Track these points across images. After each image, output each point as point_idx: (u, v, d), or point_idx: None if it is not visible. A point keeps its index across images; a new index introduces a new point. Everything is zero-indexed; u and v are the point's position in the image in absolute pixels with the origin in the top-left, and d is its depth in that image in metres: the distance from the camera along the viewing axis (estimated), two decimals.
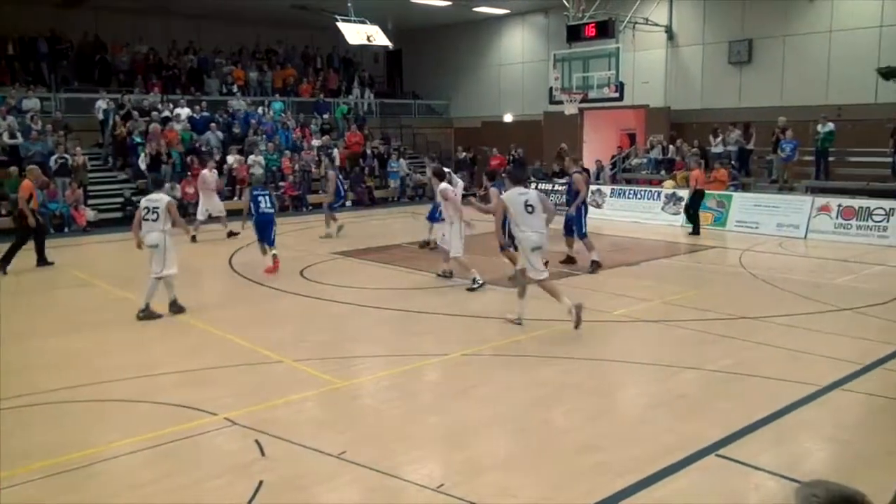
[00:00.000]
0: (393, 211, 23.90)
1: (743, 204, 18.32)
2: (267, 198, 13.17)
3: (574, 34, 22.06)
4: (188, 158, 22.16)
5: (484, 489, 5.02)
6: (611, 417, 6.48)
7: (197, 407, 6.54)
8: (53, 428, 6.29)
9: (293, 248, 15.50)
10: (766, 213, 17.69)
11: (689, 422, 6.15)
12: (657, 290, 11.34)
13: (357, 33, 23.12)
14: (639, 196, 20.66)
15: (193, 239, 16.34)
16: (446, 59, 31.94)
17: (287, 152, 24.41)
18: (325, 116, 28.24)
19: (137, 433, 6.00)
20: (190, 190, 20.49)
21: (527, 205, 9.11)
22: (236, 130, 24.67)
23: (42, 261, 13.98)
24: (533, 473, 5.31)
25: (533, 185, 23.06)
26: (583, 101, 22.14)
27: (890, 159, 18.31)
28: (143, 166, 21.13)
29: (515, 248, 9.56)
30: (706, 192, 17.85)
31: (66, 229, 18.98)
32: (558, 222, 13.43)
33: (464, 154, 28.61)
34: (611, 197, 21.33)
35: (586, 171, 22.51)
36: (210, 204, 17.63)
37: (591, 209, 20.95)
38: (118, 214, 20.47)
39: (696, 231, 17.25)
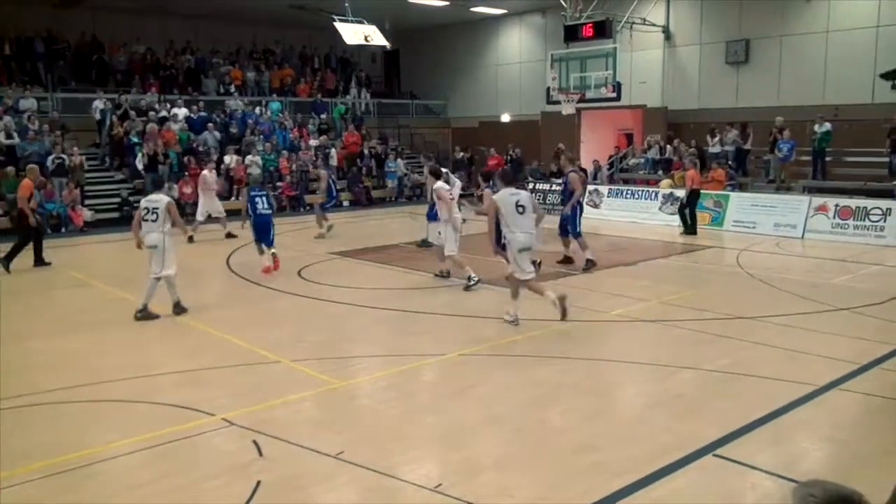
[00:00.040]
0: (390, 211, 23.90)
1: (740, 204, 18.34)
2: (264, 199, 13.15)
3: (571, 34, 22.08)
4: (185, 159, 22.15)
5: (481, 489, 5.02)
6: (608, 417, 6.49)
7: (195, 407, 6.54)
8: (52, 428, 6.29)
9: (291, 248, 15.49)
10: (764, 213, 17.71)
11: (687, 422, 6.16)
12: (654, 290, 11.35)
13: (354, 33, 23.12)
14: (636, 196, 20.68)
15: (191, 239, 16.33)
16: (444, 58, 31.94)
17: (284, 152, 24.40)
18: (323, 116, 28.23)
19: (135, 433, 6.00)
20: (187, 190, 20.49)
21: (518, 205, 9.16)
22: (234, 130, 24.66)
23: (39, 261, 13.97)
24: (530, 473, 5.32)
25: (530, 185, 23.22)
26: (580, 101, 22.17)
27: (887, 159, 18.33)
28: (140, 166, 21.14)
29: (505, 248, 9.56)
30: (702, 191, 17.88)
31: (63, 229, 18.96)
32: (553, 222, 13.48)
33: (461, 154, 28.62)
34: (608, 197, 21.35)
35: (583, 170, 22.66)
36: (210, 204, 17.62)
37: (588, 209, 21.13)
38: (115, 214, 20.45)
39: (692, 231, 17.27)
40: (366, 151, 27.07)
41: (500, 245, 9.72)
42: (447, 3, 26.05)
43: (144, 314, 9.82)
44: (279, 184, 23.26)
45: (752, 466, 5.32)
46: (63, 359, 8.29)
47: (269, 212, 13.15)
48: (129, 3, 25.77)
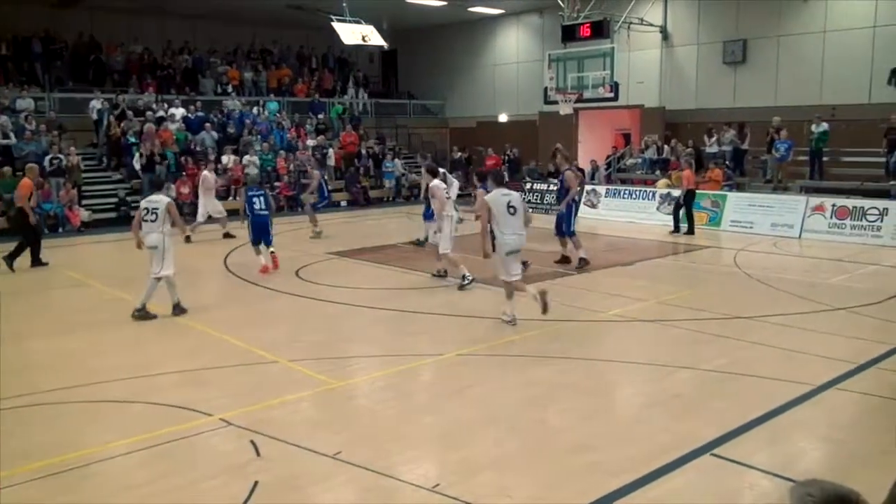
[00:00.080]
0: (388, 211, 23.89)
1: (737, 204, 18.36)
2: (262, 198, 13.15)
3: (569, 34, 22.07)
4: (182, 159, 22.12)
5: (479, 489, 5.02)
6: (605, 417, 6.49)
7: (192, 407, 6.53)
8: (50, 428, 6.28)
9: (288, 248, 15.47)
10: (761, 213, 17.73)
11: (684, 421, 6.16)
12: (652, 290, 11.36)
13: (352, 33, 23.10)
14: (634, 196, 20.70)
15: (188, 239, 16.31)
16: (441, 58, 31.93)
17: (282, 152, 24.37)
18: (320, 116, 28.21)
19: (133, 434, 6.00)
20: (185, 190, 20.46)
21: (509, 206, 9.20)
22: (231, 130, 24.63)
23: (36, 261, 13.95)
24: (528, 473, 5.32)
25: (528, 185, 23.26)
26: (578, 101, 22.16)
27: (883, 159, 18.35)
28: (137, 166, 21.11)
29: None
30: (698, 191, 17.91)
31: (60, 229, 18.93)
32: (549, 222, 13.50)
33: (459, 154, 28.62)
34: (606, 197, 21.37)
35: (581, 170, 22.68)
36: (210, 205, 17.61)
37: (586, 209, 21.24)
38: (112, 215, 20.44)
39: (690, 231, 17.28)
40: (363, 151, 27.06)
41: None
42: (445, 3, 26.05)
43: (142, 314, 9.81)
44: (277, 184, 23.24)
45: (750, 466, 5.33)
46: (61, 359, 8.28)
47: (267, 212, 13.15)
48: (127, 3, 25.74)
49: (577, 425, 6.18)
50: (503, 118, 29.83)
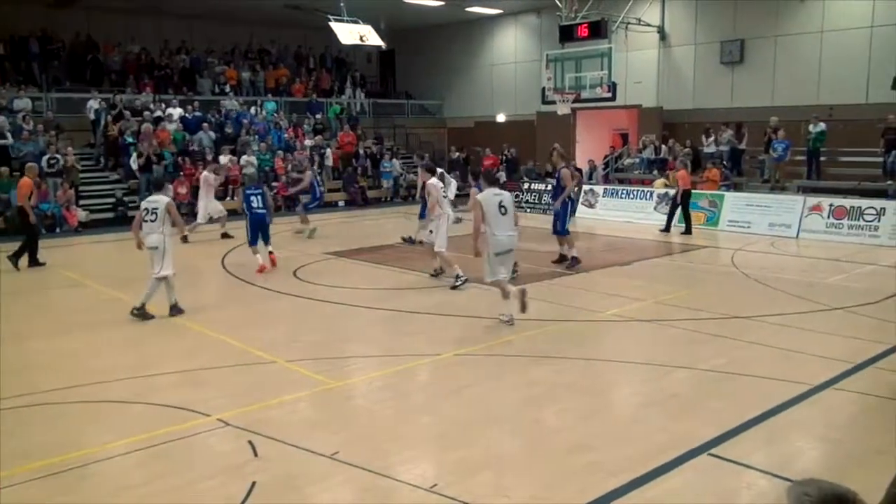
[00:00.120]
0: (386, 211, 23.88)
1: (735, 203, 18.39)
2: (259, 197, 13.18)
3: (566, 34, 22.07)
4: (180, 159, 22.10)
5: (477, 489, 5.02)
6: (603, 417, 6.49)
7: (190, 408, 6.53)
8: (48, 429, 6.27)
9: (286, 247, 15.47)
10: (758, 213, 17.76)
11: (682, 421, 6.17)
12: (649, 290, 11.37)
13: (350, 33, 23.08)
14: (631, 196, 20.73)
15: (185, 239, 16.27)
16: (439, 58, 31.93)
17: (280, 152, 24.36)
18: (318, 116, 28.18)
19: (131, 434, 5.99)
20: (182, 190, 20.43)
21: (500, 206, 9.24)
22: (229, 130, 24.60)
23: (34, 261, 13.94)
24: (525, 473, 5.32)
25: (525, 185, 23.29)
26: (575, 101, 22.17)
27: (881, 159, 18.37)
28: (134, 167, 21.09)
29: None
30: (696, 191, 17.95)
31: (57, 230, 18.90)
32: (546, 221, 13.51)
33: (457, 154, 28.61)
34: (603, 197, 21.40)
35: (578, 170, 22.69)
36: (211, 206, 17.61)
37: (583, 209, 21.26)
38: (110, 215, 20.44)
39: (688, 230, 17.30)
40: (361, 151, 27.05)
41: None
42: (442, 3, 26.05)
43: (141, 312, 9.80)
44: (275, 184, 23.23)
45: (747, 466, 5.33)
46: (59, 359, 8.27)
47: (264, 211, 13.17)
48: (124, 3, 25.71)
49: (574, 425, 6.19)
50: (501, 118, 29.83)
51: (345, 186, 25.76)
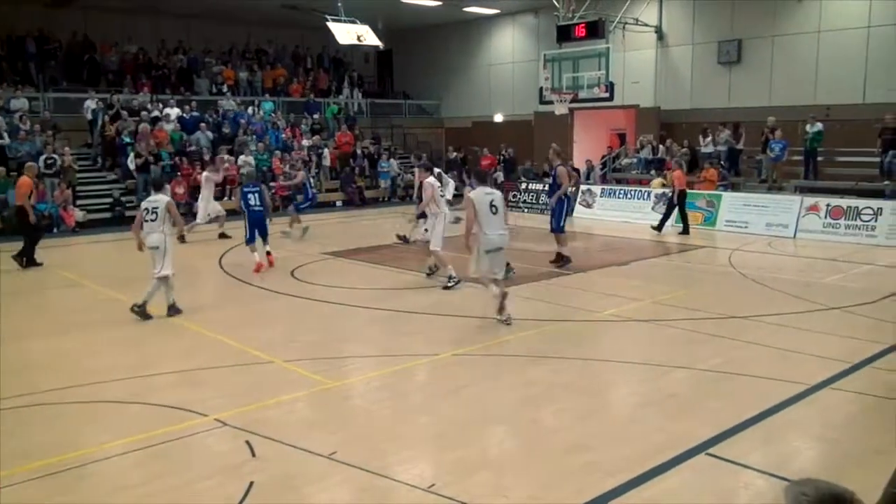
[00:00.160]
0: (383, 211, 23.87)
1: (732, 203, 18.41)
2: (257, 195, 13.22)
3: (564, 34, 22.08)
4: (177, 159, 22.08)
5: (474, 489, 5.02)
6: (601, 417, 6.50)
7: (188, 408, 6.52)
8: (46, 429, 6.27)
9: (284, 247, 15.47)
10: (756, 213, 17.78)
11: (680, 421, 6.17)
12: (647, 290, 11.38)
13: (347, 33, 23.07)
14: (629, 196, 20.75)
15: (182, 239, 16.27)
16: (437, 58, 31.92)
17: (277, 152, 24.34)
18: (316, 116, 28.16)
19: (129, 434, 5.99)
20: (180, 190, 20.41)
21: (492, 205, 9.28)
22: (226, 130, 24.57)
23: (31, 261, 13.92)
24: (523, 473, 5.33)
25: (523, 185, 23.31)
26: (573, 101, 22.16)
27: (878, 159, 18.40)
28: (132, 167, 21.07)
29: None
30: (693, 191, 17.97)
31: (54, 230, 18.87)
32: (543, 221, 13.52)
33: (454, 154, 28.60)
34: (601, 197, 21.42)
35: (576, 170, 22.73)
36: (210, 206, 17.59)
37: (581, 209, 21.29)
38: (107, 215, 20.43)
39: (685, 230, 17.32)
40: (359, 151, 27.04)
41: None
42: (440, 3, 26.03)
43: (141, 311, 9.78)
44: (272, 184, 23.21)
45: (745, 465, 5.34)
46: (56, 359, 8.26)
47: (262, 207, 13.21)
48: (121, 3, 25.68)
49: (572, 425, 6.19)
50: (499, 118, 29.83)
51: (342, 186, 25.75)
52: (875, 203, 16.29)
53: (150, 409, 6.60)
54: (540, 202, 21.86)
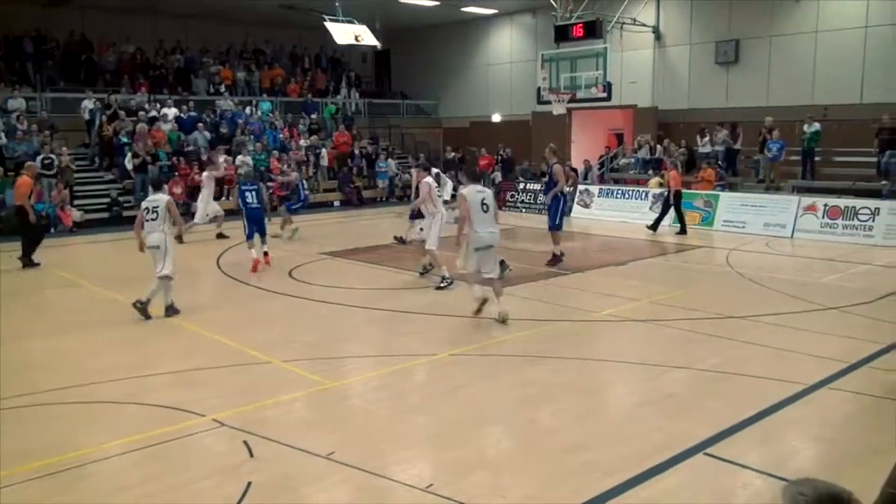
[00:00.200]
0: (381, 211, 23.86)
1: (730, 203, 18.43)
2: (254, 193, 13.34)
3: (562, 34, 22.09)
4: (175, 159, 22.06)
5: (472, 489, 5.02)
6: (599, 417, 6.50)
7: (186, 408, 6.52)
8: (44, 429, 6.26)
9: (281, 247, 15.47)
10: (753, 213, 17.80)
11: (677, 421, 6.18)
12: (645, 290, 11.39)
13: (345, 33, 23.07)
14: (627, 196, 20.76)
15: (180, 239, 16.25)
16: (434, 58, 31.92)
17: (275, 152, 24.33)
18: (313, 116, 28.16)
19: (127, 434, 5.98)
20: (177, 190, 20.39)
21: (483, 203, 9.34)
22: (224, 130, 24.56)
23: (28, 262, 13.90)
24: (521, 473, 5.33)
25: (521, 185, 23.33)
26: (571, 101, 22.17)
27: (875, 159, 18.43)
28: (129, 167, 21.05)
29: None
30: (691, 191, 18.00)
31: (52, 230, 18.83)
32: (541, 222, 13.53)
33: (452, 154, 28.62)
34: (599, 197, 21.43)
35: (574, 170, 22.75)
36: (210, 206, 17.57)
37: (579, 209, 21.29)
38: (105, 215, 20.40)
39: (683, 230, 17.35)
40: (356, 151, 27.03)
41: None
42: (438, 2, 26.03)
43: (143, 308, 9.76)
44: (270, 184, 23.19)
45: (743, 465, 5.35)
46: (54, 359, 8.26)
47: (259, 206, 13.30)
48: (119, 3, 25.67)
49: (570, 425, 6.19)
50: (496, 118, 29.83)
51: (340, 186, 25.75)
52: (872, 203, 16.32)
53: (148, 410, 6.59)
54: (538, 202, 21.86)
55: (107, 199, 20.95)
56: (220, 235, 17.13)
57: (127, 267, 13.99)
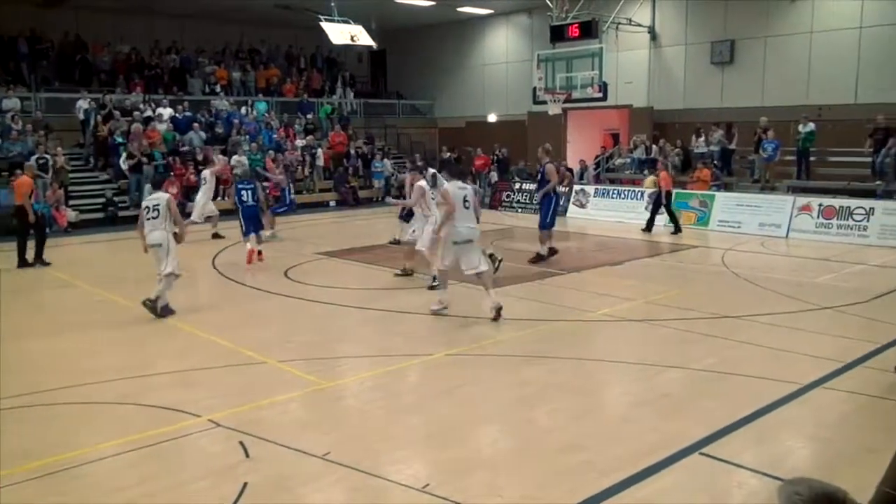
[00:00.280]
0: (377, 211, 23.82)
1: (725, 203, 18.46)
2: (250, 192, 13.54)
3: (558, 34, 22.10)
4: (170, 159, 22.03)
5: (469, 489, 5.03)
6: (595, 416, 6.51)
7: (181, 409, 6.51)
8: (39, 430, 6.25)
9: (277, 248, 15.46)
10: (749, 213, 17.83)
11: (673, 420, 6.19)
12: (640, 290, 11.40)
13: (341, 33, 23.06)
14: (622, 196, 20.79)
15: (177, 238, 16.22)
16: (430, 58, 31.90)
17: (271, 152, 24.27)
18: (309, 116, 28.14)
19: (122, 435, 5.97)
20: (173, 190, 20.29)
21: (465, 200, 9.50)
22: (219, 130, 24.54)
23: (23, 262, 13.88)
24: (517, 473, 5.33)
25: (517, 185, 23.36)
26: (566, 101, 22.19)
27: (870, 159, 18.47)
28: (124, 167, 21.00)
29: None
30: (684, 191, 18.05)
31: (46, 230, 18.75)
32: (535, 222, 13.53)
33: (448, 154, 28.58)
34: (594, 197, 21.44)
35: (570, 170, 22.78)
36: (207, 205, 17.54)
37: (574, 209, 21.31)
38: (100, 215, 20.35)
39: (678, 229, 17.36)
40: (352, 151, 27.01)
41: None
42: (433, 3, 26.03)
43: (153, 306, 9.77)
44: (265, 184, 23.15)
45: (738, 465, 5.35)
46: (50, 360, 8.23)
47: (255, 204, 13.60)
48: (113, 3, 25.59)
49: (566, 425, 6.20)
50: (492, 118, 29.83)
51: (336, 186, 25.72)
52: (867, 203, 16.36)
53: (143, 410, 6.58)
54: (533, 202, 21.86)
55: (102, 200, 20.89)
56: (216, 235, 17.11)
57: (123, 267, 14.01)
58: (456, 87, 31.36)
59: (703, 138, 21.53)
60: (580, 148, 26.37)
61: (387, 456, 5.63)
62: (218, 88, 27.22)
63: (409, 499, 4.94)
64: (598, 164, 24.80)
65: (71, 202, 19.99)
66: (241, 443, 5.77)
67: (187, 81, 27.05)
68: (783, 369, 7.44)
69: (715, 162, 21.03)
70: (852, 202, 16.55)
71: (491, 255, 11.68)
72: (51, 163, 19.48)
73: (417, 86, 32.89)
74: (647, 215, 18.67)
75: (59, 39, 25.75)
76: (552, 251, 13.59)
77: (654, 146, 22.99)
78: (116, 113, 22.58)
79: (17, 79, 23.85)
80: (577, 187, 22.06)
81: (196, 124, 23.79)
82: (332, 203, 25.12)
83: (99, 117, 22.31)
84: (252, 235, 13.79)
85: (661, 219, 17.87)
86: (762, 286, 11.58)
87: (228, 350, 8.40)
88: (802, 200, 17.16)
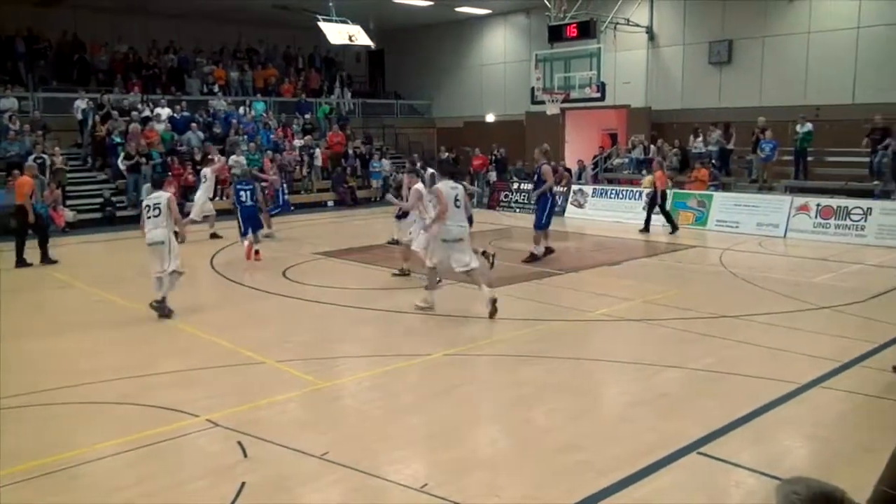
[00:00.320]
0: (375, 211, 23.82)
1: (723, 203, 18.48)
2: (248, 192, 13.54)
3: (556, 34, 22.12)
4: (168, 159, 22.02)
5: (467, 489, 5.03)
6: (593, 416, 6.51)
7: (179, 409, 6.50)
8: (38, 430, 6.24)
9: (275, 248, 15.46)
10: (746, 213, 17.85)
11: (671, 420, 6.19)
12: (638, 290, 11.40)
13: (339, 33, 23.03)
14: (620, 196, 20.80)
15: (176, 236, 16.19)
16: (428, 58, 31.91)
17: (269, 152, 24.25)
18: (307, 116, 28.12)
19: (121, 435, 5.97)
20: (171, 190, 20.28)
21: (456, 199, 9.60)
22: (217, 130, 24.52)
23: (21, 262, 13.87)
24: (516, 472, 5.33)
25: (515, 185, 23.37)
26: (564, 101, 22.21)
27: (867, 159, 18.50)
28: (122, 167, 20.98)
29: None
30: (682, 191, 18.08)
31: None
32: (528, 220, 13.53)
33: (446, 154, 28.57)
34: (592, 197, 21.45)
35: (568, 170, 22.79)
36: (205, 205, 17.53)
37: (572, 209, 21.32)
38: (97, 215, 20.33)
39: (674, 228, 17.38)
40: (350, 151, 27.00)
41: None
42: (431, 3, 26.04)
43: (160, 306, 9.79)
44: (263, 184, 23.13)
45: (736, 464, 5.36)
46: (48, 360, 8.23)
47: (253, 204, 13.68)
48: (111, 3, 25.59)
49: (564, 425, 6.20)
50: (490, 118, 29.84)
51: (334, 186, 25.72)
52: (864, 203, 16.38)
53: (141, 410, 6.58)
54: (531, 202, 21.88)
55: (100, 200, 20.88)
56: (214, 235, 17.10)
57: (121, 267, 13.99)
58: (454, 87, 31.37)
59: (700, 138, 21.55)
60: (578, 148, 26.39)
61: (385, 456, 5.63)
62: (216, 88, 27.20)
63: (407, 499, 4.94)
64: (596, 164, 24.81)
65: (69, 202, 19.97)
66: (239, 443, 5.77)
67: (185, 81, 27.04)
68: (781, 369, 7.45)
69: (713, 162, 21.04)
70: (850, 202, 16.56)
71: (483, 253, 11.71)
72: (48, 163, 19.46)
73: (415, 86, 32.90)
74: (645, 215, 18.69)
75: (57, 39, 25.72)
76: (549, 251, 13.62)
77: (651, 146, 23.01)
78: (114, 113, 22.56)
79: (14, 78, 23.83)
80: (575, 187, 22.07)
81: (194, 124, 23.77)
82: (330, 203, 25.11)
83: (97, 117, 22.30)
84: (250, 235, 13.89)
85: (658, 219, 17.88)
86: (760, 286, 11.59)
87: (227, 350, 8.40)
88: (800, 200, 17.18)
